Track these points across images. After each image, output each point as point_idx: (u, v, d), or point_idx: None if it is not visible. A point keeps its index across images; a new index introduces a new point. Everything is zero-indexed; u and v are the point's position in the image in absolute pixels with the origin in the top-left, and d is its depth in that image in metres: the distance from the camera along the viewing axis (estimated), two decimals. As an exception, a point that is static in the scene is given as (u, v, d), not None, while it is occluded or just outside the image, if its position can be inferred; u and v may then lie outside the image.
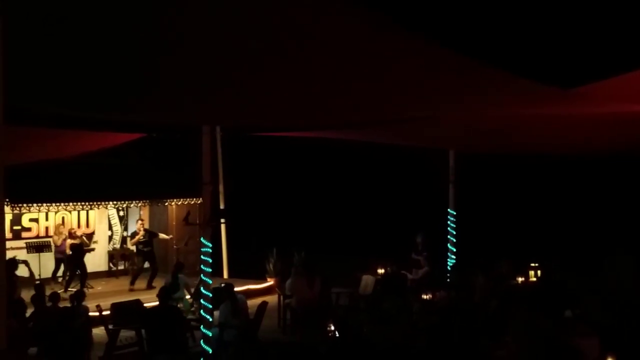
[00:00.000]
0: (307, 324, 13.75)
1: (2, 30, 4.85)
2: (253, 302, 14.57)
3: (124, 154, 19.85)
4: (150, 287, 18.48)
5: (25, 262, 15.61)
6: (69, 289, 17.03)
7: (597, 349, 9.33)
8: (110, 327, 12.64)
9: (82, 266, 18.02)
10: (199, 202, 18.66)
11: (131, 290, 18.36)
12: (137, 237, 19.21)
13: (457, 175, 18.63)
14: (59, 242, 18.31)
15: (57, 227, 18.88)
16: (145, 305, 13.72)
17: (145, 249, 19.18)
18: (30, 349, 11.39)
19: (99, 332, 12.89)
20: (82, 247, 18.19)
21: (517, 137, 14.68)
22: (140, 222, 19.89)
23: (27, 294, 13.48)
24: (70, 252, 17.91)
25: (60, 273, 18.52)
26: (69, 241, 18.03)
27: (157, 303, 11.78)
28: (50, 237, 19.01)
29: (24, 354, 10.88)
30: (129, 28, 5.99)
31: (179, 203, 20.54)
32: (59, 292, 14.32)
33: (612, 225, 20.87)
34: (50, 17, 5.56)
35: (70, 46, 6.53)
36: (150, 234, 19.46)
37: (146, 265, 19.62)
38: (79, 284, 17.33)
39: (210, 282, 12.14)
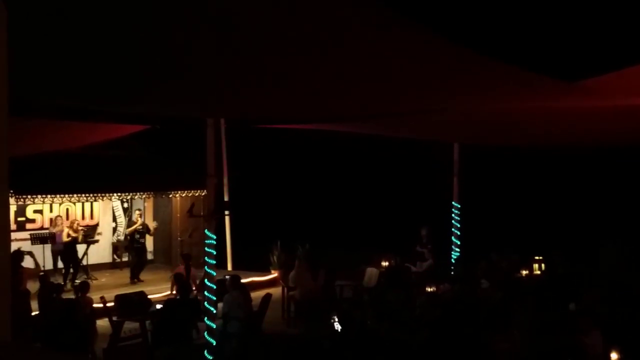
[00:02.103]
0: (310, 316, 13.76)
1: (6, 21, 4.83)
2: (257, 294, 14.57)
3: (128, 145, 19.87)
4: (138, 280, 18.54)
5: (30, 253, 15.61)
6: (68, 282, 17.09)
7: (601, 343, 9.33)
8: (114, 318, 12.66)
9: (75, 261, 17.98)
10: (203, 194, 18.68)
11: (134, 282, 18.41)
12: (134, 226, 19.22)
13: (462, 168, 18.62)
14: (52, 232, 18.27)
15: (54, 219, 18.81)
16: (150, 296, 13.79)
17: (141, 240, 19.20)
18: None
19: (102, 323, 12.91)
20: (75, 243, 18.10)
21: (522, 130, 14.67)
22: (138, 212, 19.90)
23: (32, 286, 13.50)
24: (62, 247, 17.90)
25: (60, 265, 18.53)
26: (66, 231, 17.99)
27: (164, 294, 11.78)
28: (48, 229, 18.97)
29: (29, 345, 10.90)
30: (136, 21, 5.98)
31: (183, 195, 20.55)
32: (62, 284, 14.35)
33: (616, 217, 20.87)
34: (58, 9, 5.55)
35: (77, 39, 6.52)
36: (146, 227, 19.49)
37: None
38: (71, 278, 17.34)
39: (214, 274, 12.15)
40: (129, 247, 19.57)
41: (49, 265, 17.72)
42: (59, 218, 18.82)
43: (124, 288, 16.53)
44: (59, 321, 11.05)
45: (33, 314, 12.49)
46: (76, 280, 17.10)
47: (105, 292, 14.76)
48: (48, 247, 18.10)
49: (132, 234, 19.32)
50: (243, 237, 20.94)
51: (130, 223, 19.69)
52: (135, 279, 18.62)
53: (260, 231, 21.28)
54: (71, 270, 17.86)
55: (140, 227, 19.23)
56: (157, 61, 7.55)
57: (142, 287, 16.16)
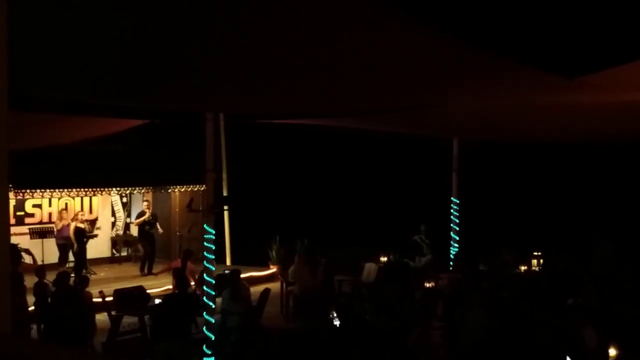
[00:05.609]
0: (309, 311, 13.77)
1: (7, 14, 4.82)
2: (256, 289, 14.59)
3: (127, 140, 19.86)
4: (151, 273, 18.52)
5: (27, 251, 15.59)
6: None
7: (595, 338, 9.34)
8: (113, 313, 12.67)
9: (82, 253, 17.96)
10: (202, 188, 18.67)
11: (144, 275, 18.46)
12: (144, 217, 19.22)
13: (461, 164, 18.63)
14: (59, 227, 18.26)
15: (60, 212, 18.83)
16: (149, 291, 13.83)
17: (150, 231, 19.19)
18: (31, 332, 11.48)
19: (101, 318, 12.91)
20: (82, 235, 18.09)
21: (522, 126, 14.68)
22: (146, 202, 19.89)
23: (29, 281, 13.49)
24: (72, 242, 17.89)
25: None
26: (73, 225, 17.98)
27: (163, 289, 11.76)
28: (53, 222, 18.98)
29: (27, 337, 10.90)
30: (136, 17, 5.98)
31: (182, 190, 20.56)
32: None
33: (612, 212, 20.91)
34: (60, 3, 5.55)
35: (78, 33, 6.52)
36: (155, 217, 19.50)
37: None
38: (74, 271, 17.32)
39: (213, 268, 12.16)
40: (141, 239, 19.62)
41: (47, 260, 17.69)
42: (64, 212, 18.83)
43: (122, 282, 16.53)
44: (59, 314, 11.06)
45: (30, 309, 12.47)
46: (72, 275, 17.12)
47: (104, 286, 14.74)
48: (47, 242, 18.10)
49: (141, 226, 19.32)
50: (242, 232, 20.95)
51: (140, 214, 19.65)
52: (147, 272, 18.67)
53: (259, 226, 21.29)
54: (70, 265, 17.88)
55: (150, 217, 19.25)
56: (157, 56, 7.55)
57: (141, 281, 16.15)
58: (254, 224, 21.62)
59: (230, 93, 10.71)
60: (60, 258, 18.27)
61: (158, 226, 19.67)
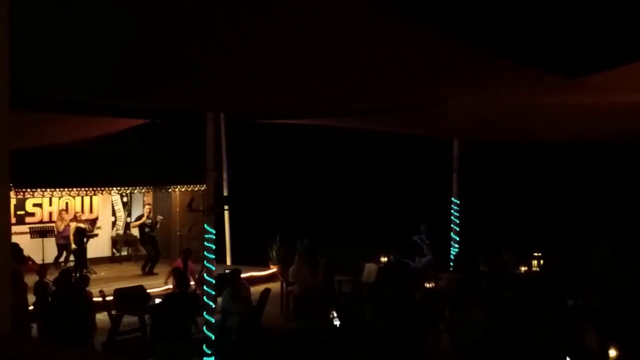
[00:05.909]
0: (309, 311, 13.77)
1: (8, 13, 4.83)
2: (256, 289, 14.59)
3: (128, 140, 19.87)
4: (152, 273, 18.52)
5: (28, 257, 15.55)
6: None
7: (595, 339, 9.35)
8: (113, 312, 12.67)
9: (82, 253, 17.96)
10: (203, 188, 18.68)
11: (146, 275, 18.48)
12: (142, 220, 19.26)
13: (461, 165, 18.63)
14: (61, 228, 18.30)
15: (59, 213, 18.87)
16: (149, 290, 13.83)
17: (152, 234, 19.22)
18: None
19: (102, 317, 12.92)
20: (83, 235, 18.10)
21: (522, 126, 14.68)
22: (148, 206, 19.94)
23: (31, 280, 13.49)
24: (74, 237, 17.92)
25: (62, 259, 18.52)
26: (73, 225, 18.00)
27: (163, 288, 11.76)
28: (54, 222, 19.01)
29: (27, 336, 10.90)
30: (138, 17, 5.98)
31: (183, 189, 20.56)
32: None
33: (612, 213, 20.92)
34: (60, 4, 5.56)
35: (78, 33, 6.53)
36: (154, 221, 19.55)
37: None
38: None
39: (214, 268, 12.16)
40: (143, 241, 19.64)
41: (49, 259, 17.74)
42: (64, 213, 18.85)
43: (123, 282, 16.53)
44: (59, 314, 11.06)
45: (30, 308, 12.48)
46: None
47: (104, 286, 14.75)
48: (47, 241, 18.12)
49: (141, 229, 19.32)
50: (242, 232, 20.95)
51: (139, 217, 19.70)
52: (149, 271, 18.68)
53: (259, 226, 21.29)
54: (71, 264, 17.88)
55: (148, 219, 19.28)
56: (157, 56, 7.55)
57: (141, 281, 16.16)
58: (254, 224, 21.62)
59: (230, 93, 10.72)
60: (56, 257, 18.28)
61: (158, 217, 19.74)
